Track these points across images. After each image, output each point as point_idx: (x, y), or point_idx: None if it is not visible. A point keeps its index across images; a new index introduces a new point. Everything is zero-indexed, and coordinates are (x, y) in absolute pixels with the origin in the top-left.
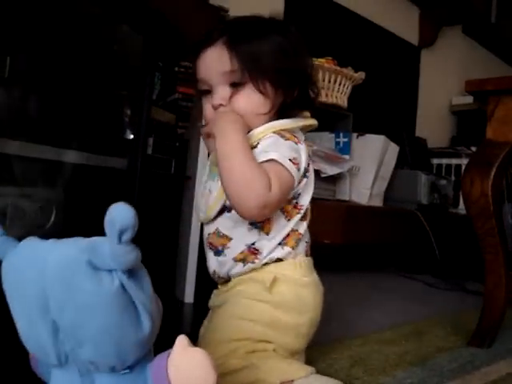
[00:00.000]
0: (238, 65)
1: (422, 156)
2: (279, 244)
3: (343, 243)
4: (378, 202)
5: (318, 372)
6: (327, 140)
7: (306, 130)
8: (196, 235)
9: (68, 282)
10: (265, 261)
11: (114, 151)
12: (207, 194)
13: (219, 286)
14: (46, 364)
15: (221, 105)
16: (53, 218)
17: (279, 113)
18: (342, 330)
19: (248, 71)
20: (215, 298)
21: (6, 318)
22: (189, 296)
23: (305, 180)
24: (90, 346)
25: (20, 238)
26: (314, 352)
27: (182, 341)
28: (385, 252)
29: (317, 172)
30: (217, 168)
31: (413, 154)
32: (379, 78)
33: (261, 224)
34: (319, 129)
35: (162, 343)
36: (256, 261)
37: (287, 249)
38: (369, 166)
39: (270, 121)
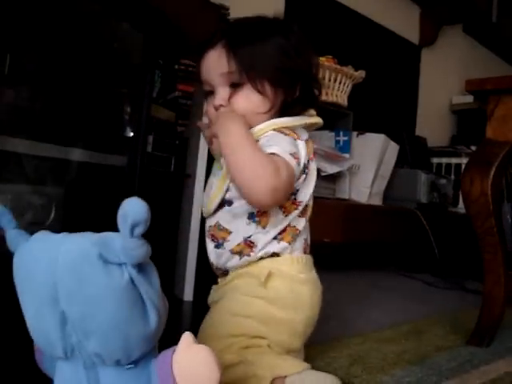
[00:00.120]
0: (236, 66)
1: (421, 155)
2: (274, 238)
3: (343, 242)
4: (377, 201)
5: (317, 370)
6: (327, 138)
7: (310, 128)
8: (195, 233)
9: (78, 274)
10: (260, 254)
11: (114, 149)
12: (209, 189)
13: (218, 280)
14: (50, 358)
15: (221, 105)
16: (52, 215)
17: (281, 111)
18: (341, 328)
19: (246, 72)
20: (214, 294)
21: (11, 317)
22: (188, 294)
23: (303, 176)
24: (97, 339)
25: None
26: (313, 350)
27: (187, 337)
28: (384, 251)
29: (317, 170)
30: (218, 165)
31: (413, 153)
32: (379, 77)
33: (259, 218)
34: (319, 127)
35: (161, 341)
36: (251, 253)
37: (283, 243)
38: (369, 165)
39: (271, 119)
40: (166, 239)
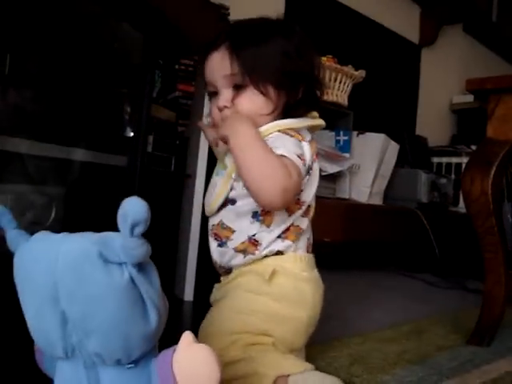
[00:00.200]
0: (239, 68)
1: (422, 154)
2: (279, 237)
3: (343, 241)
4: (377, 201)
5: (318, 370)
6: (327, 138)
7: (313, 130)
8: (196, 233)
9: (79, 273)
10: (264, 252)
11: (115, 149)
12: (212, 188)
13: (221, 279)
14: (51, 358)
15: (225, 106)
16: (53, 215)
17: (284, 113)
18: (342, 328)
19: (248, 75)
20: (216, 292)
21: (11, 317)
22: (188, 294)
23: (307, 177)
24: (98, 338)
25: None
26: (314, 350)
27: (187, 337)
28: (385, 250)
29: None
30: (222, 164)
31: (413, 153)
32: (380, 77)
33: (263, 217)
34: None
35: (162, 341)
36: (256, 252)
37: (288, 242)
38: (369, 165)
39: (274, 121)
40: (167, 239)
